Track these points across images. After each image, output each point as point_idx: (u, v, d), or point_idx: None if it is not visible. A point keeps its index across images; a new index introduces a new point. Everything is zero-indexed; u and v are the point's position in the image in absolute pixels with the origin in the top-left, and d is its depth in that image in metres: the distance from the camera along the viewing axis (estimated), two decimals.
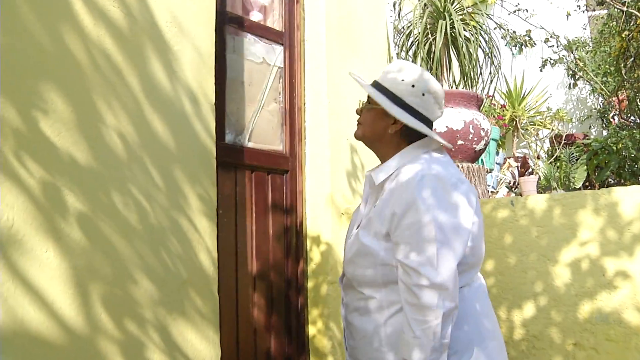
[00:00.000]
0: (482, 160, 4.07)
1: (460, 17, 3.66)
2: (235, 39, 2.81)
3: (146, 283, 1.60)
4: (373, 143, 1.83)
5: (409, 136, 1.73)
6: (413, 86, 1.71)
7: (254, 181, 2.78)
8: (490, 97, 4.71)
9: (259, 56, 2.95)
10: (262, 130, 2.91)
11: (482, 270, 2.67)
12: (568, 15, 5.16)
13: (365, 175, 1.91)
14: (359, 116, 1.84)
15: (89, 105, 1.50)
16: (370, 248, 1.63)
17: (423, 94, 1.70)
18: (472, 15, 3.81)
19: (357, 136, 1.85)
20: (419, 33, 3.79)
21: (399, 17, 4.08)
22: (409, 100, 1.71)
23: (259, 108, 2.92)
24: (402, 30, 4.01)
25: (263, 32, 2.96)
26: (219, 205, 2.59)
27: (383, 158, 1.80)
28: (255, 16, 3.00)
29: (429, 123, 1.76)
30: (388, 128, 1.74)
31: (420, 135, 1.73)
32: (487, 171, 4.13)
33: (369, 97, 1.80)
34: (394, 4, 4.16)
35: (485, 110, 4.65)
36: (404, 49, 3.96)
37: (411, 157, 1.71)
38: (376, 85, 1.79)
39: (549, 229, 2.72)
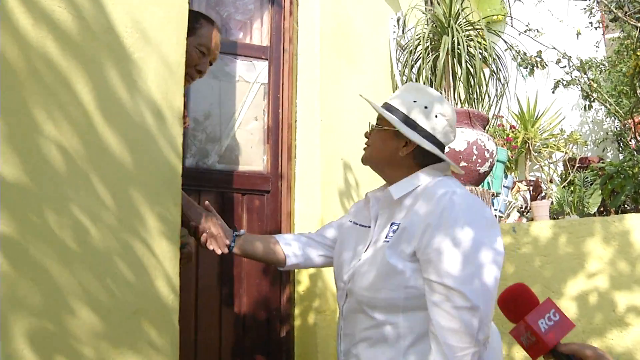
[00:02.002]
0: (488, 183, 3.87)
1: (465, 33, 3.49)
2: None
3: (86, 314, 1.43)
4: (381, 166, 1.74)
5: (421, 159, 1.66)
6: (426, 107, 1.64)
7: (222, 204, 2.64)
8: (499, 117, 4.53)
9: (234, 75, 2.83)
10: (237, 151, 2.79)
11: None
12: (578, 34, 4.95)
13: (367, 196, 1.81)
14: (366, 139, 1.77)
15: (23, 115, 1.34)
16: (397, 269, 1.50)
17: (436, 116, 1.64)
18: (480, 31, 3.63)
19: (365, 159, 1.76)
20: (423, 49, 3.63)
21: (402, 32, 3.91)
22: (421, 122, 1.64)
23: (233, 127, 2.79)
24: (406, 46, 3.84)
25: (240, 50, 2.85)
26: None
27: (392, 181, 1.70)
28: (233, 35, 2.89)
29: (441, 147, 1.68)
30: (399, 150, 1.66)
31: (432, 160, 1.66)
32: (493, 195, 3.92)
33: (378, 118, 1.73)
34: (398, 20, 4.00)
35: (494, 131, 4.46)
36: (407, 65, 3.79)
37: (431, 178, 1.64)
38: (387, 106, 1.72)
39: (554, 259, 2.51)
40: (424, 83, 3.60)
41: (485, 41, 3.52)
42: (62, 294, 1.38)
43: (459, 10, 3.46)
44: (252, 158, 2.84)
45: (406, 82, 3.77)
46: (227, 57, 2.83)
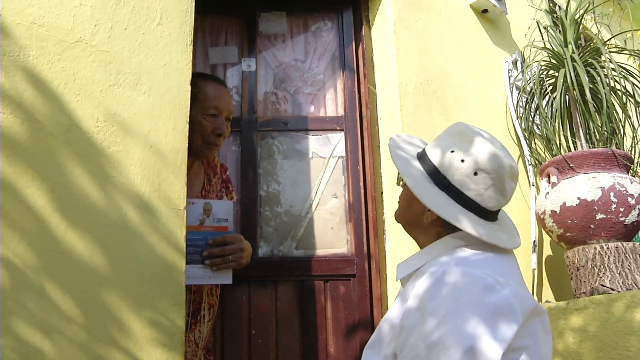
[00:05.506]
0: None
1: (586, 61, 2.90)
2: (270, 142, 2.60)
3: None
4: (409, 230, 1.43)
5: (452, 227, 1.27)
6: (463, 161, 1.27)
7: (301, 294, 2.38)
8: None
9: (307, 151, 2.63)
10: (316, 233, 2.54)
11: None
12: None
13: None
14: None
15: None
16: None
17: (475, 173, 1.26)
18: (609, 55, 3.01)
19: (395, 218, 1.47)
20: (542, 88, 3.11)
21: (523, 74, 3.41)
22: (455, 180, 1.27)
23: (310, 208, 2.56)
24: (525, 87, 3.33)
25: (311, 124, 2.67)
26: (251, 324, 2.24)
27: (422, 248, 1.37)
28: (303, 109, 2.71)
29: (482, 212, 1.28)
30: (424, 215, 1.33)
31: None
32: None
33: None
34: (515, 62, 3.52)
35: None
36: (529, 109, 3.26)
37: (442, 250, 1.26)
38: (421, 155, 1.39)
39: None
40: (544, 126, 3.05)
41: (625, 68, 2.91)
42: None
43: (574, 37, 2.90)
44: (334, 240, 2.56)
45: (528, 129, 3.23)
46: (297, 134, 2.66)
